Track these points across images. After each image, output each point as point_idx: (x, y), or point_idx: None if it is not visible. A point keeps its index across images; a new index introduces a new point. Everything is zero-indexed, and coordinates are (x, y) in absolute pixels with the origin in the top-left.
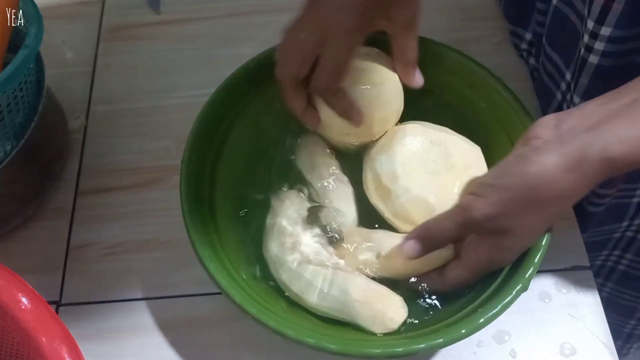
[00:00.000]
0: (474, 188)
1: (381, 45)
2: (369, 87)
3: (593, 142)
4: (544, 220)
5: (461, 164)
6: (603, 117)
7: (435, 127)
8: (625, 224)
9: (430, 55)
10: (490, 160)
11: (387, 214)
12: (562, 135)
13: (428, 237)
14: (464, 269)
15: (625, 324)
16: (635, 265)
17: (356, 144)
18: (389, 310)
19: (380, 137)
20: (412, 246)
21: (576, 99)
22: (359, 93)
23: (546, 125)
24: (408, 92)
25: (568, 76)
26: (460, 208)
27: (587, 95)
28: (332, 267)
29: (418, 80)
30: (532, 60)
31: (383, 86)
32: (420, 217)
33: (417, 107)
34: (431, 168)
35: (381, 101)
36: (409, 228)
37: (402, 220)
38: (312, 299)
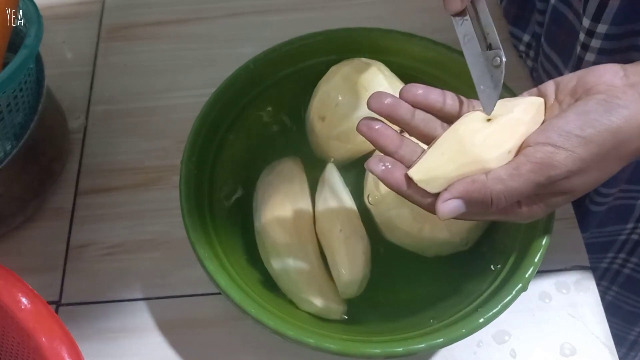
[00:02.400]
0: (553, 138)
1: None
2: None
3: None
4: (604, 177)
5: None
6: None
7: None
8: (630, 225)
9: (430, 56)
10: None
11: (376, 218)
12: (636, 86)
13: (479, 199)
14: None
15: (629, 331)
16: None
17: (372, 147)
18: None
19: None
20: (453, 207)
21: None
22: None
23: (615, 74)
24: None
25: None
26: (536, 163)
27: None
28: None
29: None
30: (529, 62)
31: None
32: (404, 234)
33: None
34: None
35: None
36: (394, 238)
37: (387, 231)
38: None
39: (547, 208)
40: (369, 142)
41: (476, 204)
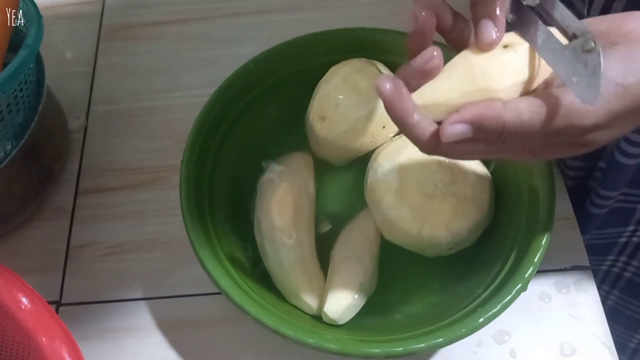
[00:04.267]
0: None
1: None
2: None
3: None
4: (620, 135)
5: (461, 193)
6: None
7: None
8: (630, 228)
9: None
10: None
11: (376, 218)
12: None
13: (490, 129)
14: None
15: (630, 338)
16: None
17: (372, 147)
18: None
19: (392, 140)
20: (460, 131)
21: None
22: None
23: None
24: None
25: None
26: (563, 106)
27: None
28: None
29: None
30: None
31: None
32: (404, 234)
33: None
34: (429, 191)
35: None
36: (394, 238)
37: (387, 231)
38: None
39: (548, 155)
40: (368, 143)
41: (485, 133)
